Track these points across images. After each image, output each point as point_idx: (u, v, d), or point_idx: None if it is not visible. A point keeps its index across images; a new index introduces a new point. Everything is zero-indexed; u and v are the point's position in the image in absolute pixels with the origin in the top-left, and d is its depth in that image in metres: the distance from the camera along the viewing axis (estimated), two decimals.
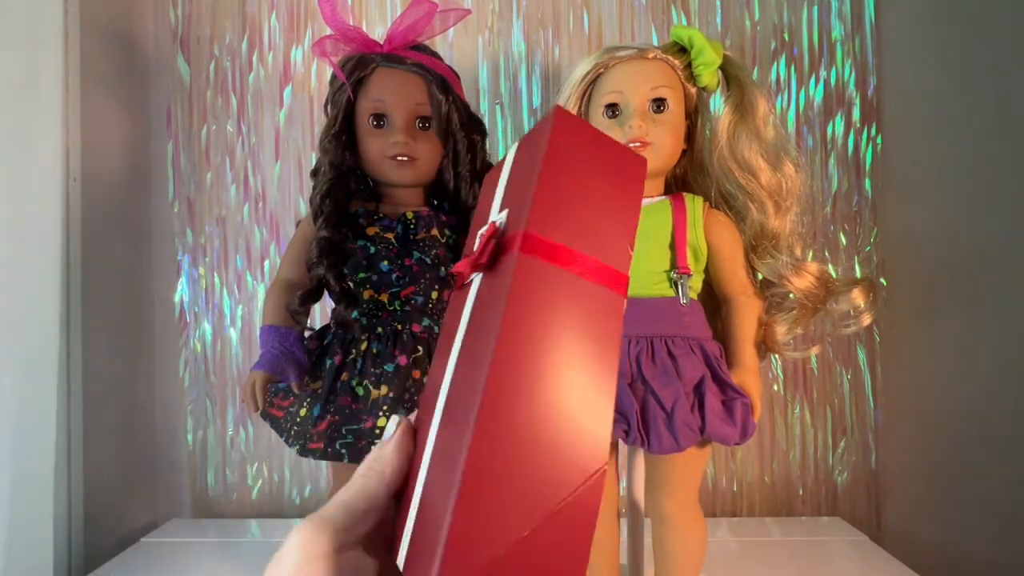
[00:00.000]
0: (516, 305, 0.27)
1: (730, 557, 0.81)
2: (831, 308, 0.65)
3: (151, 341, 0.97)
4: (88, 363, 0.81)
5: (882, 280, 0.95)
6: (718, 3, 0.97)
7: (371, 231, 0.65)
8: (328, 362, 0.63)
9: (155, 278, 0.98)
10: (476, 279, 0.32)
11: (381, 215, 0.65)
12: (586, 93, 0.66)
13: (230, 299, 0.99)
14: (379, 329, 0.64)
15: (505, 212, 0.32)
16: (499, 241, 0.31)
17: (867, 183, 0.96)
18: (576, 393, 0.26)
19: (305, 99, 0.98)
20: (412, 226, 0.65)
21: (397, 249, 0.65)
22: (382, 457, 0.31)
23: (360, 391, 0.62)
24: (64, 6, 0.78)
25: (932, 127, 0.87)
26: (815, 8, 0.96)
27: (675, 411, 0.57)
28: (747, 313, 0.64)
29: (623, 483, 0.71)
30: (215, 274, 0.99)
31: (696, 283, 0.64)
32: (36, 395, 0.76)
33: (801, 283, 0.63)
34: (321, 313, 0.95)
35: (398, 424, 0.32)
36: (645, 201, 0.64)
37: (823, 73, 0.96)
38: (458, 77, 0.67)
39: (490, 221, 0.32)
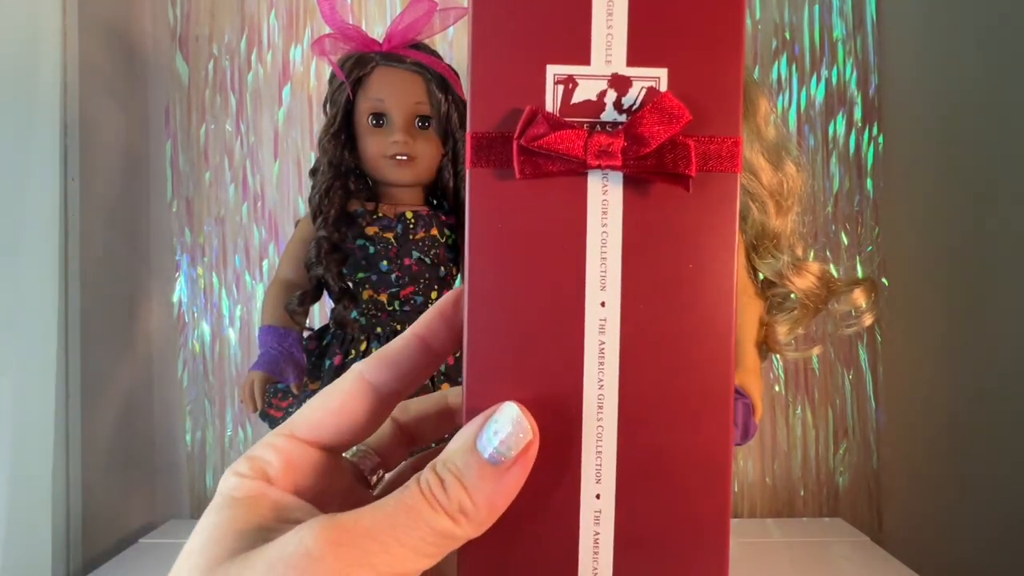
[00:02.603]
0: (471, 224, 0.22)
1: (731, 558, 0.81)
2: (832, 308, 0.65)
3: (149, 341, 0.97)
4: (86, 363, 0.81)
5: (884, 280, 0.94)
6: None
7: (370, 231, 0.64)
8: (327, 362, 0.63)
9: (153, 278, 0.98)
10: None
11: (380, 215, 0.65)
12: None
13: (229, 299, 0.99)
14: (378, 329, 0.64)
15: None
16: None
17: (869, 183, 0.96)
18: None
19: (304, 98, 0.98)
20: (411, 226, 0.65)
21: (396, 249, 0.65)
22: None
23: None
24: (62, 5, 0.78)
25: (934, 126, 0.86)
26: (816, 7, 0.96)
27: None
28: (748, 313, 0.64)
29: None
30: (214, 274, 0.98)
31: None
32: (33, 395, 0.76)
33: (802, 283, 0.62)
34: (320, 313, 0.94)
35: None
36: None
37: (824, 72, 0.96)
38: (458, 76, 0.67)
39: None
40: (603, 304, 0.21)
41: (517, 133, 0.20)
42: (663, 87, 0.21)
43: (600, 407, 0.21)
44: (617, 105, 0.21)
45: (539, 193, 0.21)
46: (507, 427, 0.20)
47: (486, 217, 0.21)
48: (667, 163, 0.20)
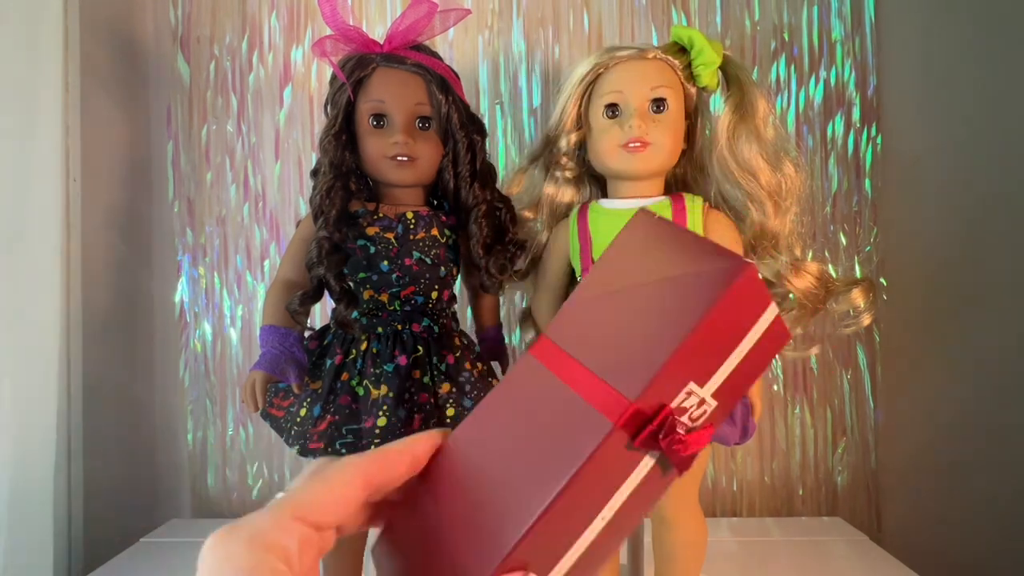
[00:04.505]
0: (498, 387, 0.32)
1: (730, 557, 0.81)
2: (831, 308, 0.65)
3: (151, 341, 0.98)
4: (88, 363, 0.81)
5: (882, 280, 0.95)
6: (718, 3, 0.97)
7: (371, 231, 0.65)
8: (328, 362, 0.63)
9: (155, 278, 0.98)
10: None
11: (381, 215, 0.65)
12: (586, 93, 0.66)
13: (230, 299, 0.99)
14: (379, 329, 0.64)
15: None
16: None
17: (867, 183, 0.96)
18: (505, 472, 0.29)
19: (305, 99, 0.98)
20: (412, 226, 0.65)
21: (397, 249, 0.65)
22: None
23: (360, 391, 0.62)
24: (64, 6, 0.78)
25: (932, 127, 0.87)
26: (815, 8, 0.96)
27: None
28: None
29: None
30: (215, 274, 0.99)
31: None
32: (36, 395, 0.76)
33: (801, 283, 0.63)
34: (321, 313, 0.95)
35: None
36: (645, 201, 0.65)
37: (823, 73, 0.96)
38: (458, 77, 0.67)
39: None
40: (603, 519, 0.28)
41: (664, 434, 0.28)
42: (709, 411, 0.30)
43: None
44: (691, 415, 0.29)
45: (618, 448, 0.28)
46: None
47: (604, 464, 0.28)
48: (680, 461, 0.29)
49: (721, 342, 0.29)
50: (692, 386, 0.29)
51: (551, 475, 0.27)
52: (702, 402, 0.29)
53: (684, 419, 0.29)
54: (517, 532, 0.27)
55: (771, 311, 0.30)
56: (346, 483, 0.26)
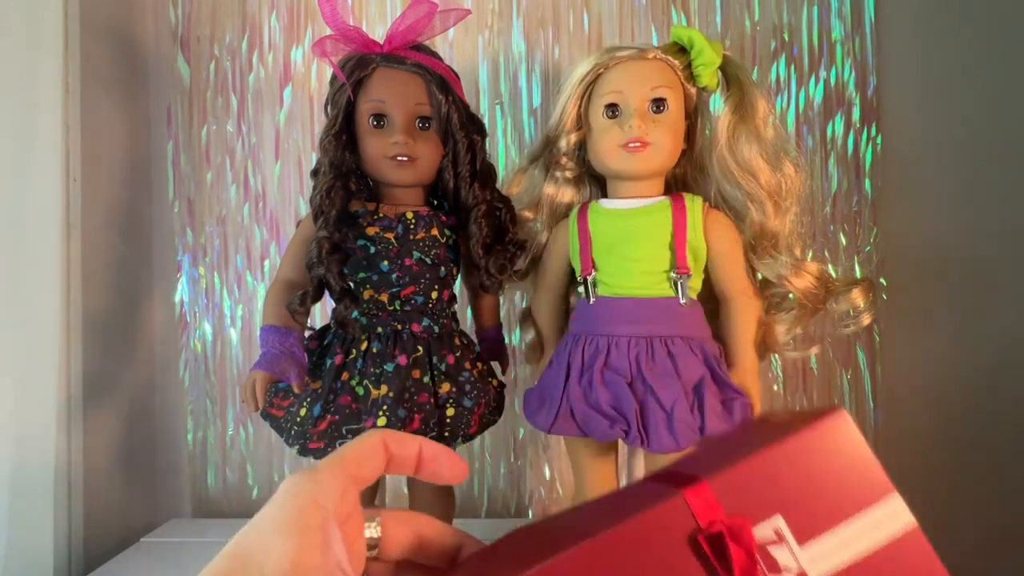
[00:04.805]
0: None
1: None
2: (831, 308, 0.65)
3: (151, 341, 0.97)
4: (88, 363, 0.81)
5: (882, 280, 0.95)
6: (718, 3, 0.97)
7: (371, 231, 0.65)
8: (328, 362, 0.63)
9: (155, 278, 0.98)
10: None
11: (381, 215, 0.65)
12: (586, 93, 0.66)
13: (230, 299, 0.99)
14: (379, 329, 0.64)
15: None
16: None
17: (867, 183, 0.96)
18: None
19: (305, 99, 0.98)
20: (412, 226, 0.65)
21: (397, 249, 0.65)
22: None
23: (360, 391, 0.62)
24: (64, 6, 0.78)
25: (932, 127, 0.87)
26: (815, 8, 0.96)
27: (675, 411, 0.57)
28: (747, 313, 0.64)
29: (623, 483, 0.71)
30: (215, 274, 0.99)
31: (696, 283, 0.64)
32: (36, 395, 0.76)
33: (801, 283, 0.63)
34: (321, 313, 0.95)
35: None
36: (644, 201, 0.65)
37: (823, 73, 0.96)
38: (458, 77, 0.67)
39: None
40: None
41: (734, 538, 0.25)
42: None
43: None
44: None
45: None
46: None
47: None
48: None
49: (822, 493, 0.27)
50: (782, 524, 0.26)
51: (599, 524, 0.25)
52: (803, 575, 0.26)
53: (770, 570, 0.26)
54: (534, 565, 0.24)
55: (897, 504, 0.28)
56: (373, 443, 0.32)
